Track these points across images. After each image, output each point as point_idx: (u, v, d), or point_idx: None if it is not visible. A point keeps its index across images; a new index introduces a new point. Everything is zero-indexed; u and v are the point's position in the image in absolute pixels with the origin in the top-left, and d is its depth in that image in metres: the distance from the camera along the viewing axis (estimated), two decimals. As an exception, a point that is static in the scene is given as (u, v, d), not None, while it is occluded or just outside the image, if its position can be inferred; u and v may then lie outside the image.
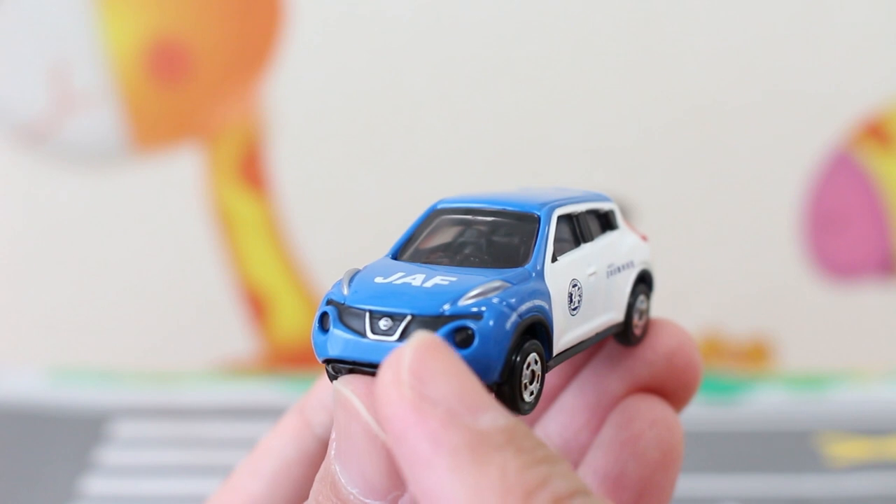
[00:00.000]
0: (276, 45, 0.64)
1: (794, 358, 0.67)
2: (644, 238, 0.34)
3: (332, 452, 0.26)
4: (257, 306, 0.67)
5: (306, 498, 0.30)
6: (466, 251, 0.29)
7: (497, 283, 0.26)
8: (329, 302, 0.27)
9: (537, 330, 0.27)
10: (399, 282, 0.26)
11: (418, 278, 0.27)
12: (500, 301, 0.26)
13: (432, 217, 0.30)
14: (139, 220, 0.66)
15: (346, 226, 0.66)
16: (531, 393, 0.27)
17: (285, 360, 0.67)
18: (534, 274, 0.27)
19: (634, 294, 0.32)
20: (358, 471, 0.25)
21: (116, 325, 0.67)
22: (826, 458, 0.55)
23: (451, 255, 0.28)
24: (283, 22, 0.63)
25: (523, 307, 0.26)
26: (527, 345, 0.26)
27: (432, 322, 0.25)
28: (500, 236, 0.29)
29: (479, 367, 0.25)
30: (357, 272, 0.27)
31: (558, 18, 0.63)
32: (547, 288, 0.27)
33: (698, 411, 0.59)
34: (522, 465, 0.22)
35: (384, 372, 0.23)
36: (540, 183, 0.35)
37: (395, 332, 0.26)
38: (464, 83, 0.64)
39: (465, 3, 0.63)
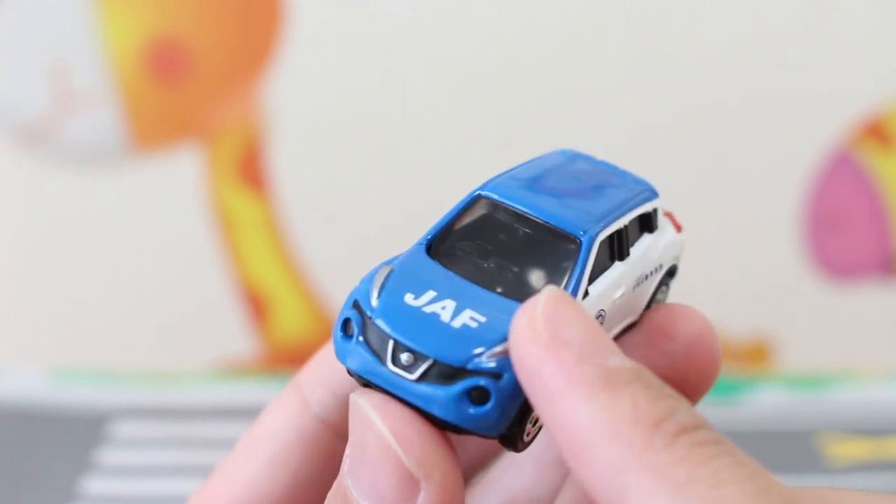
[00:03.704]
0: (276, 44, 0.64)
1: (794, 358, 0.67)
2: (679, 229, 0.32)
3: (346, 468, 0.26)
4: (257, 306, 0.67)
5: (306, 481, 0.30)
6: (499, 263, 0.28)
7: None
8: (355, 305, 0.26)
9: None
10: (428, 309, 0.26)
11: (448, 308, 0.26)
12: None
13: (473, 204, 0.29)
14: (139, 220, 0.66)
15: (346, 226, 0.66)
16: (528, 434, 0.27)
17: (285, 360, 0.67)
18: None
19: (657, 289, 0.31)
20: (370, 482, 0.25)
21: (116, 325, 0.67)
22: (826, 458, 0.55)
23: (483, 263, 0.28)
24: (283, 22, 0.63)
25: None
26: None
27: (453, 372, 0.25)
28: (536, 255, 0.28)
29: (488, 423, 0.25)
30: (390, 275, 0.27)
31: (559, 17, 0.63)
32: None
33: (698, 411, 0.59)
34: (651, 398, 0.23)
35: (519, 318, 0.24)
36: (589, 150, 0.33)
37: (415, 371, 0.25)
38: (465, 82, 0.64)
39: (466, 3, 0.63)
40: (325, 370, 0.31)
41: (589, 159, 0.32)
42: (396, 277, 0.27)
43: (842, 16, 0.63)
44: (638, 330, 0.31)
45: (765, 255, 0.66)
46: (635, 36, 0.63)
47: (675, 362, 0.30)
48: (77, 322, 0.67)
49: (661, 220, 0.31)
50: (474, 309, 0.26)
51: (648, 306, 0.31)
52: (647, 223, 0.30)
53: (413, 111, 0.64)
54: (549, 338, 0.24)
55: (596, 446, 0.23)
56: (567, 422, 0.23)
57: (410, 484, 0.25)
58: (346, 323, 0.27)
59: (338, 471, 0.27)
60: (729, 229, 0.65)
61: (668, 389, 0.24)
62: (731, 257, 0.66)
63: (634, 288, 0.30)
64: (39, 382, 0.63)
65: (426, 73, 0.64)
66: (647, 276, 0.30)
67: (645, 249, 0.30)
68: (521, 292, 0.27)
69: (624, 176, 0.31)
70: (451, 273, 0.27)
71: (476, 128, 0.64)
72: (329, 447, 0.31)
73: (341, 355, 0.26)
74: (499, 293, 0.27)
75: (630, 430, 0.23)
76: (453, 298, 0.26)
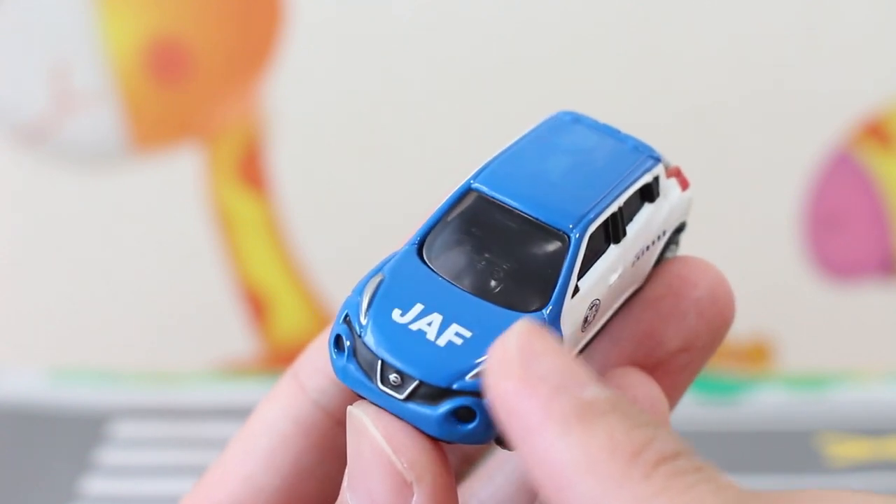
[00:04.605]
0: (276, 44, 0.64)
1: (794, 358, 0.67)
2: (686, 185, 0.32)
3: (345, 483, 0.26)
4: (257, 306, 0.67)
5: (305, 470, 0.30)
6: (490, 261, 0.28)
7: None
8: (346, 319, 0.27)
9: None
10: (415, 327, 0.26)
11: (435, 323, 0.26)
12: None
13: (465, 196, 0.29)
14: (139, 220, 0.66)
15: (346, 226, 0.66)
16: None
17: (285, 360, 0.67)
18: (547, 322, 0.27)
19: (664, 249, 0.31)
20: (365, 490, 0.26)
21: (116, 325, 0.67)
22: (826, 458, 0.55)
23: (472, 262, 0.28)
24: (283, 22, 0.63)
25: None
26: None
27: (439, 393, 0.26)
28: (527, 253, 0.28)
29: (477, 437, 0.26)
30: (380, 286, 0.27)
31: (559, 17, 0.63)
32: (560, 333, 0.27)
33: (698, 411, 0.59)
34: (628, 428, 0.23)
35: (493, 355, 0.24)
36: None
37: (403, 391, 0.26)
38: (465, 82, 0.64)
39: (466, 3, 0.63)
40: (323, 357, 0.30)
41: (589, 125, 0.32)
42: (385, 289, 0.27)
43: (842, 16, 0.63)
44: (658, 283, 0.31)
45: (765, 255, 0.66)
46: (635, 36, 0.63)
47: (702, 309, 0.31)
48: (77, 322, 0.67)
49: (665, 183, 0.31)
50: (461, 322, 0.26)
51: (656, 265, 0.31)
52: (647, 193, 0.30)
53: (413, 111, 0.64)
54: (522, 373, 0.24)
55: (573, 480, 0.22)
56: (544, 457, 0.23)
57: (403, 488, 0.25)
58: (338, 338, 0.27)
59: (337, 459, 0.27)
60: (729, 229, 0.65)
61: (646, 417, 0.24)
62: (731, 257, 0.65)
63: (634, 263, 0.29)
64: (39, 382, 0.62)
65: (426, 73, 0.64)
66: (648, 248, 0.30)
67: (645, 222, 0.30)
68: (510, 297, 0.27)
69: (625, 142, 0.31)
70: (439, 279, 0.27)
71: (476, 128, 0.64)
72: (328, 435, 0.30)
73: (336, 371, 0.27)
74: (487, 299, 0.27)
75: (607, 461, 0.22)
76: (440, 311, 0.26)
